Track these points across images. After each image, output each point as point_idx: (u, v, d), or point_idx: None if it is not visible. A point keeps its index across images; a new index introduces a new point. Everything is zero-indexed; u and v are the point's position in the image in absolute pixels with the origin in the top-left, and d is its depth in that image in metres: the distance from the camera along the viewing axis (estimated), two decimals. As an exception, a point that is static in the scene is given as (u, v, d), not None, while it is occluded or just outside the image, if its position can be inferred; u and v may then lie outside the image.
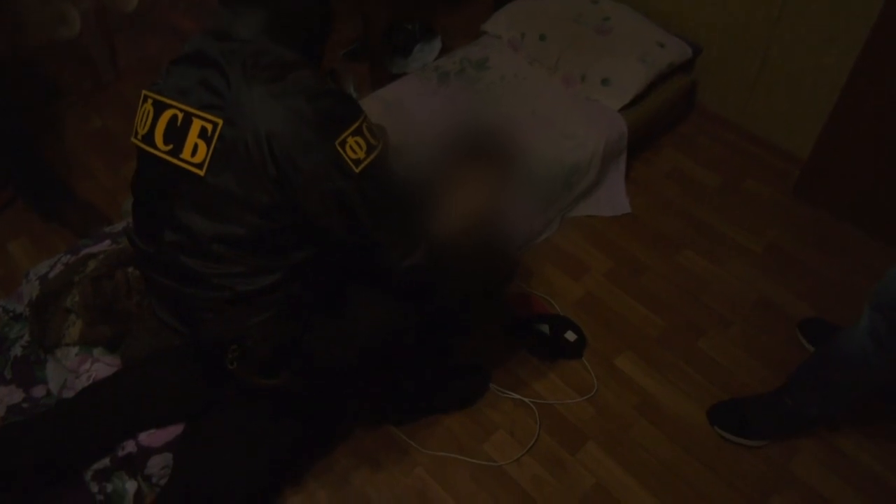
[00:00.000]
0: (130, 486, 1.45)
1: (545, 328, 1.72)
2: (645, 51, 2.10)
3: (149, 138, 1.10)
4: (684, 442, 1.56)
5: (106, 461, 1.44)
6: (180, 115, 1.06)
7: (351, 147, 1.04)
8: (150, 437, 1.43)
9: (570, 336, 1.72)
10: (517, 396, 1.63)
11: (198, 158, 1.04)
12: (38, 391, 1.64)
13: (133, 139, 1.15)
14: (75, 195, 2.07)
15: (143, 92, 1.14)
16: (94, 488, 1.46)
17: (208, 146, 1.03)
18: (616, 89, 2.06)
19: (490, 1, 2.57)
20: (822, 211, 2.01)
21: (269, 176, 1.02)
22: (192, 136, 1.04)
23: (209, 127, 1.03)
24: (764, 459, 1.53)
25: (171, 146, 1.07)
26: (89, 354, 1.57)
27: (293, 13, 1.10)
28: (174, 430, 1.45)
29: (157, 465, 1.44)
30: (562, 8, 2.26)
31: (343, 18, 1.16)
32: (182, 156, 1.05)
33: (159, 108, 1.09)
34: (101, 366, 1.56)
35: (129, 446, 1.43)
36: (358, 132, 1.05)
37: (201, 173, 1.04)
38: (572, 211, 2.04)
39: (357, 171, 1.04)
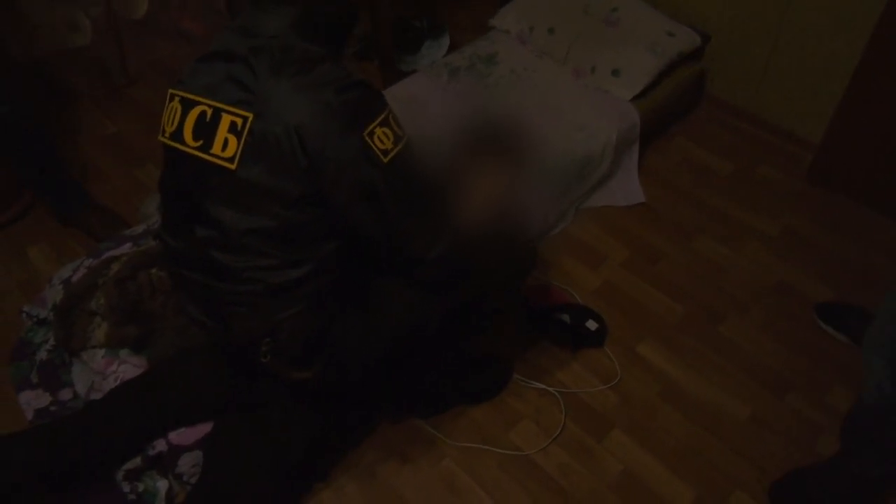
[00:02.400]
0: (162, 485, 1.47)
1: (566, 318, 1.73)
2: (654, 40, 2.11)
3: (177, 135, 1.11)
4: (709, 426, 1.57)
5: (137, 461, 1.45)
6: (209, 111, 1.08)
7: (379, 138, 1.05)
8: (180, 436, 1.45)
9: (592, 325, 1.73)
10: (541, 386, 1.64)
11: (228, 153, 1.05)
12: (65, 394, 1.66)
13: (160, 137, 1.16)
14: (93, 199, 2.09)
15: (170, 90, 1.16)
16: (126, 488, 1.47)
17: (239, 140, 1.04)
18: (626, 79, 2.07)
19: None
20: (836, 194, 2.02)
21: (300, 167, 1.03)
22: (222, 132, 1.06)
23: (239, 121, 1.04)
24: (791, 440, 1.54)
25: (200, 142, 1.08)
26: (116, 356, 1.58)
27: (318, 10, 1.12)
28: (203, 429, 1.46)
29: (188, 464, 1.45)
30: (569, 0, 2.28)
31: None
32: (212, 151, 1.07)
33: (187, 105, 1.11)
34: (128, 367, 1.57)
35: (160, 445, 1.44)
36: (385, 123, 1.06)
37: (233, 167, 1.05)
38: (587, 202, 2.05)
39: (385, 161, 1.06)
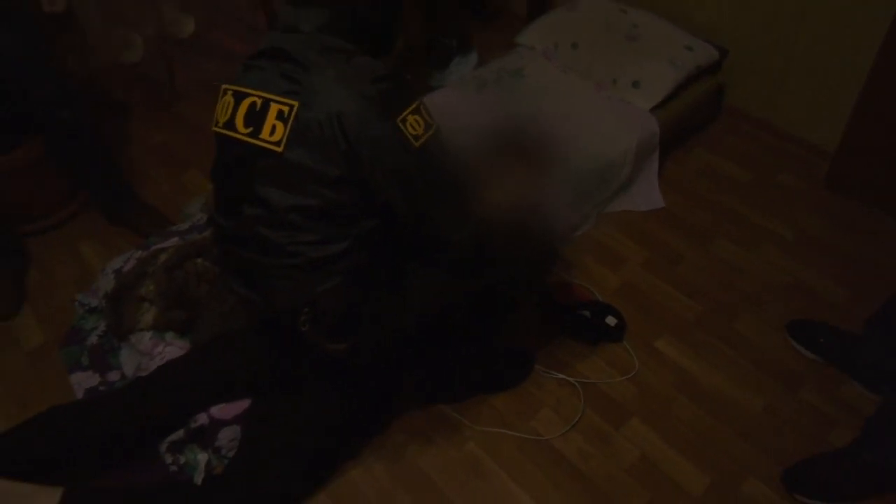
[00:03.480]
0: (202, 457, 1.56)
1: (587, 313, 1.80)
2: (673, 54, 2.20)
3: (230, 124, 1.23)
4: (724, 416, 1.62)
5: (180, 433, 1.55)
6: (259, 102, 1.19)
7: (411, 125, 1.16)
8: (220, 411, 1.54)
9: (611, 321, 1.80)
10: (561, 376, 1.71)
11: (276, 138, 1.17)
12: (113, 376, 1.77)
13: (214, 128, 1.29)
14: (141, 200, 2.23)
15: (223, 86, 1.28)
16: (169, 459, 1.56)
17: (285, 126, 1.16)
18: (646, 91, 2.16)
19: (524, 16, 2.71)
20: (853, 201, 2.07)
21: (340, 150, 1.14)
22: (271, 119, 1.17)
23: (286, 109, 1.16)
24: (803, 432, 1.58)
25: (250, 129, 1.20)
26: (162, 339, 1.70)
27: (348, 11, 1.23)
28: (242, 405, 1.56)
29: (227, 438, 1.54)
30: (592, 18, 2.39)
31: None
32: (261, 136, 1.18)
33: (239, 97, 1.23)
34: (173, 349, 1.68)
35: (202, 419, 1.54)
36: (416, 112, 1.17)
37: (280, 150, 1.16)
38: (609, 206, 2.13)
39: (416, 145, 1.16)
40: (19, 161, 2.03)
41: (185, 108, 2.70)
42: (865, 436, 1.43)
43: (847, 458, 1.45)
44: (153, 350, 1.68)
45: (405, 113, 1.15)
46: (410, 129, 1.16)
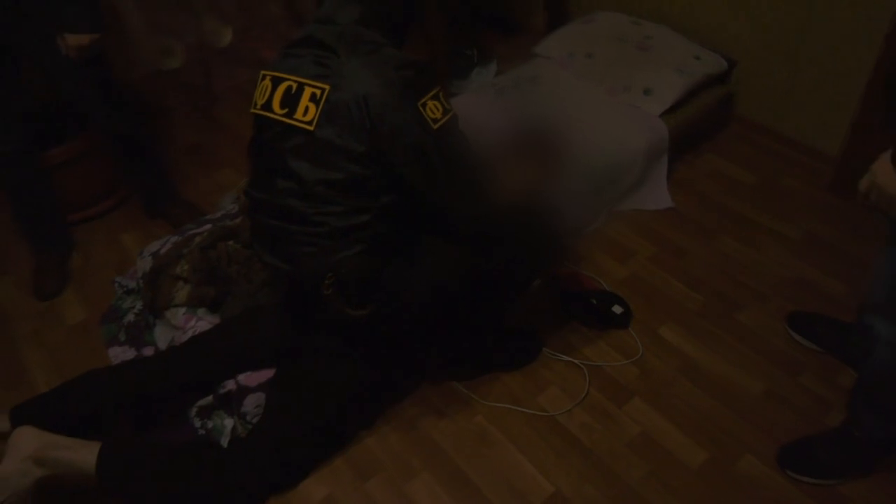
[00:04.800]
0: (228, 422, 1.67)
1: (594, 301, 1.90)
2: (682, 63, 2.31)
3: (267, 106, 1.37)
4: (723, 398, 1.68)
5: (209, 399, 1.67)
6: (294, 86, 1.33)
7: (430, 108, 1.28)
8: (247, 378, 1.65)
9: (617, 309, 1.89)
10: (568, 359, 1.80)
11: (308, 117, 1.30)
12: (148, 351, 1.90)
13: (252, 109, 1.42)
14: (179, 195, 2.38)
15: (261, 72, 1.42)
16: (197, 423, 1.68)
17: (317, 107, 1.29)
18: (657, 98, 2.27)
19: (543, 29, 2.85)
20: (856, 205, 2.14)
21: (365, 129, 1.27)
22: (304, 101, 1.31)
23: (318, 92, 1.29)
24: (801, 413, 1.65)
25: (286, 110, 1.33)
26: (194, 314, 1.82)
27: (378, 7, 1.37)
28: (267, 374, 1.67)
29: (252, 404, 1.65)
30: (607, 30, 2.51)
31: (408, 43, 1.44)
32: (295, 116, 1.31)
33: (276, 81, 1.36)
34: (204, 324, 1.80)
35: (230, 384, 1.65)
36: (436, 97, 1.30)
37: (311, 128, 1.29)
38: (618, 205, 2.23)
39: (435, 128, 1.29)
40: (70, 153, 2.20)
41: (220, 111, 2.88)
42: (850, 414, 1.49)
43: (838, 437, 1.51)
44: (186, 324, 1.80)
45: (426, 98, 1.28)
46: (430, 112, 1.28)
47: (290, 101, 1.33)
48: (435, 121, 1.29)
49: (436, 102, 1.30)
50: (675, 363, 1.78)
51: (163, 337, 1.86)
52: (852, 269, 1.97)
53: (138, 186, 2.35)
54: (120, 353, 1.92)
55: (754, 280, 1.97)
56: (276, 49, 1.46)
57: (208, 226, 2.07)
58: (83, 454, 1.44)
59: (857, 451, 1.50)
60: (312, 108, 1.30)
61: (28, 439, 1.42)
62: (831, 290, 1.93)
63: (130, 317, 1.99)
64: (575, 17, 2.74)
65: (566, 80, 2.44)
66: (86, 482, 1.45)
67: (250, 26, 2.90)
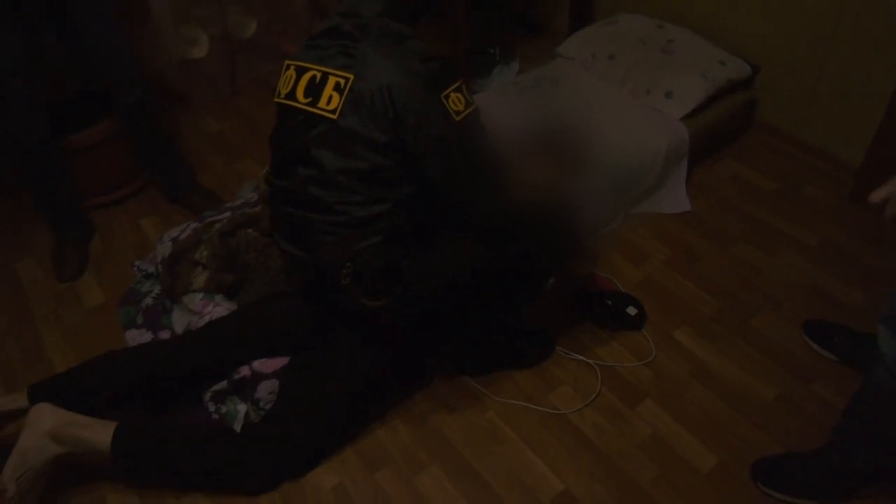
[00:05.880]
0: (241, 408, 1.68)
1: (609, 302, 1.90)
2: (706, 67, 2.30)
3: (291, 95, 1.38)
4: (736, 403, 1.68)
5: (223, 384, 1.68)
6: (318, 75, 1.34)
7: (453, 101, 1.29)
8: (262, 364, 1.67)
9: (632, 310, 1.88)
10: (581, 358, 1.80)
11: (332, 106, 1.31)
12: (164, 334, 1.91)
13: (276, 99, 1.44)
14: (199, 183, 2.40)
15: (286, 62, 1.43)
16: (211, 408, 1.70)
17: (341, 96, 1.30)
18: (678, 100, 2.26)
19: (566, 30, 2.85)
20: (877, 215, 2.12)
21: (388, 119, 1.28)
22: (328, 90, 1.32)
23: (342, 82, 1.30)
24: (813, 421, 1.64)
25: (309, 99, 1.34)
26: (212, 299, 1.84)
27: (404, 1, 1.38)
28: (282, 361, 1.68)
29: (266, 390, 1.67)
30: (630, 32, 2.51)
31: (432, 41, 1.46)
32: (319, 105, 1.33)
33: (301, 71, 1.38)
34: (221, 310, 1.82)
35: (244, 370, 1.66)
36: (459, 90, 1.31)
37: (335, 117, 1.30)
38: (636, 207, 2.22)
39: (457, 119, 1.29)
40: (93, 138, 2.22)
41: (242, 102, 2.90)
42: (835, 436, 1.44)
43: (818, 458, 1.46)
44: (203, 310, 1.82)
45: (449, 90, 1.29)
46: (453, 104, 1.29)
47: (314, 90, 1.34)
48: (457, 113, 1.30)
49: (459, 95, 1.31)
50: (688, 367, 1.77)
51: (180, 321, 1.88)
52: (871, 280, 1.96)
53: (158, 173, 2.38)
54: (137, 336, 1.94)
55: (770, 286, 1.96)
56: (298, 43, 1.48)
57: (228, 213, 2.08)
58: (99, 433, 1.46)
59: (836, 475, 1.44)
60: (336, 97, 1.31)
61: (46, 416, 1.44)
62: (848, 299, 1.91)
63: (148, 300, 2.01)
64: (598, 19, 2.74)
65: (587, 80, 2.44)
66: (100, 460, 1.47)
67: (275, 19, 2.92)
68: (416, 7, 1.39)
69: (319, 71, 1.34)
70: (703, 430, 1.63)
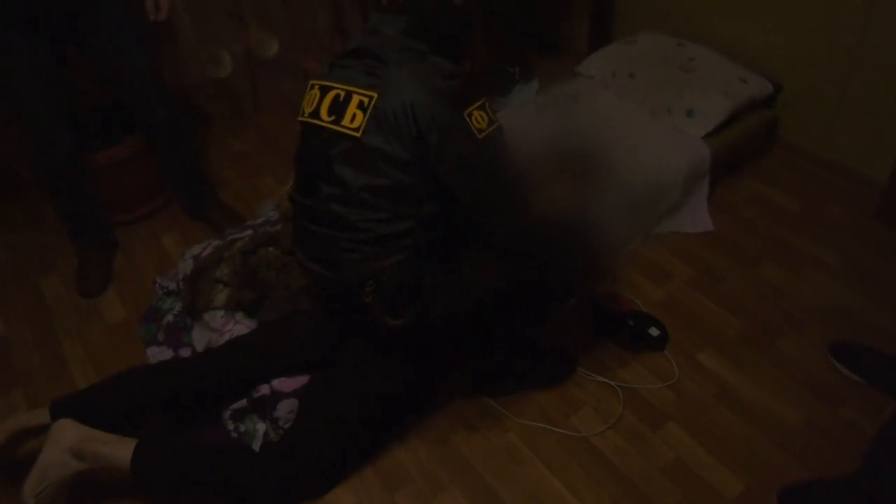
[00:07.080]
0: (260, 427, 1.68)
1: (631, 322, 1.87)
2: (727, 85, 2.29)
3: (315, 114, 1.39)
4: (761, 426, 1.65)
5: (243, 402, 1.68)
6: (342, 94, 1.35)
7: (476, 118, 1.30)
8: (281, 384, 1.67)
9: (654, 331, 1.86)
10: (602, 379, 1.78)
11: (355, 124, 1.32)
12: (185, 352, 1.92)
13: (300, 118, 1.45)
14: (220, 200, 2.42)
15: (311, 82, 1.45)
16: (231, 426, 1.69)
17: (364, 114, 1.31)
18: (699, 119, 2.25)
19: (585, 49, 2.85)
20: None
21: (411, 136, 1.28)
22: (352, 108, 1.33)
23: (366, 100, 1.31)
24: (841, 446, 1.60)
25: (333, 117, 1.35)
26: (232, 317, 1.84)
27: (425, 19, 1.39)
28: (302, 380, 1.68)
29: (285, 409, 1.66)
30: (650, 51, 2.51)
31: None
32: (343, 123, 1.33)
33: (325, 90, 1.39)
34: (241, 327, 1.82)
35: (264, 389, 1.66)
36: (482, 108, 1.31)
37: (358, 135, 1.31)
38: (658, 227, 2.21)
39: (480, 137, 1.30)
40: (120, 155, 2.25)
41: (263, 120, 2.93)
42: (864, 465, 1.40)
43: (846, 487, 1.42)
44: (224, 327, 1.82)
45: (472, 108, 1.29)
46: (476, 122, 1.29)
47: (338, 108, 1.35)
48: (480, 130, 1.30)
49: (482, 113, 1.31)
50: (712, 389, 1.74)
51: (200, 339, 1.89)
52: (894, 298, 1.92)
53: (181, 190, 2.40)
54: (158, 353, 1.95)
55: (795, 307, 1.93)
56: (320, 61, 1.49)
57: (249, 231, 2.10)
58: (120, 450, 1.46)
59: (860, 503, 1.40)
60: (360, 115, 1.32)
61: (68, 432, 1.45)
62: (876, 321, 1.88)
63: (169, 317, 2.02)
64: (617, 38, 2.74)
65: (607, 99, 2.43)
66: (120, 477, 1.47)
67: (296, 39, 2.95)
68: (440, 27, 1.40)
69: (343, 90, 1.35)
70: (728, 454, 1.60)
